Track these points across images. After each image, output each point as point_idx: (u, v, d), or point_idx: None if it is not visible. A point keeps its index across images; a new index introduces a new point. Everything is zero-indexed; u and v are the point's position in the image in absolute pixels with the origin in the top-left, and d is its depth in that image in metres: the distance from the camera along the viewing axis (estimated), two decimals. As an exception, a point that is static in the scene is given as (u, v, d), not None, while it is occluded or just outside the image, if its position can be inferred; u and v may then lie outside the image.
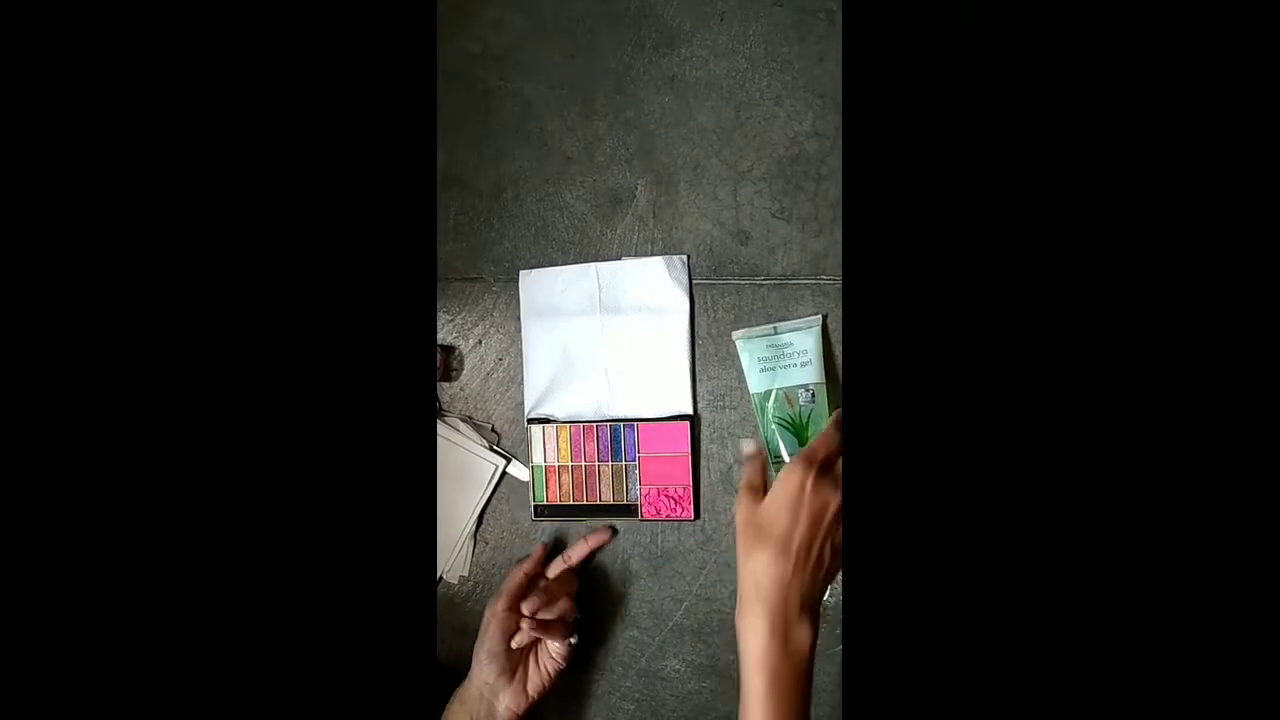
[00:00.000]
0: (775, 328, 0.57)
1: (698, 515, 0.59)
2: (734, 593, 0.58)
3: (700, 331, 0.60)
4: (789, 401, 0.56)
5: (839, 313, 0.58)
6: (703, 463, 0.60)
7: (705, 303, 0.60)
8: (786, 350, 0.56)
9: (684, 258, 0.60)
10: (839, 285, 0.58)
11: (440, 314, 0.62)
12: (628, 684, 0.61)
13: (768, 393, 0.56)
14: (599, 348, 0.61)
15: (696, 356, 0.60)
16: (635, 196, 0.61)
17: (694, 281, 0.60)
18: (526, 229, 0.62)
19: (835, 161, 0.59)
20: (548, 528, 0.62)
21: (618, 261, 0.61)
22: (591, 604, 0.60)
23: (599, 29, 0.61)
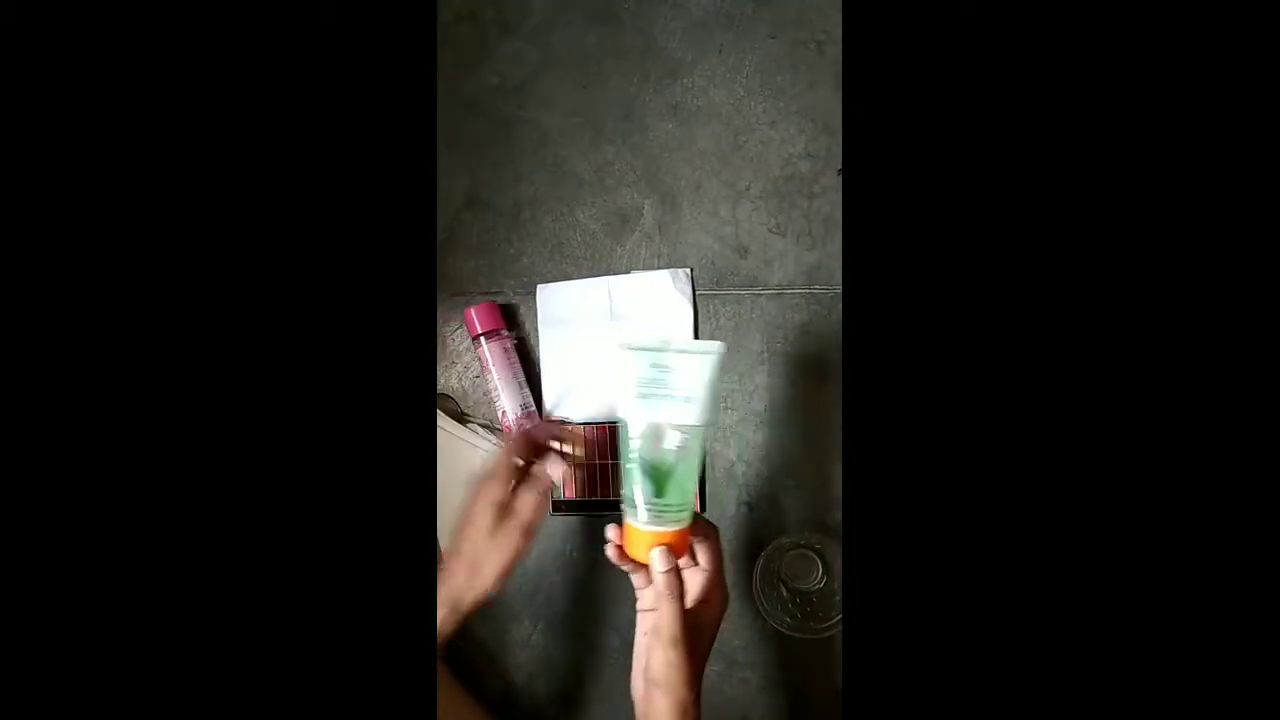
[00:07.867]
0: (666, 342, 0.44)
1: (703, 509, 0.63)
2: (734, 583, 0.62)
3: (703, 339, 0.63)
4: (657, 441, 0.44)
5: (832, 319, 0.62)
6: (707, 461, 0.64)
7: (708, 312, 0.64)
8: (670, 375, 0.44)
9: (687, 271, 0.64)
10: (831, 294, 0.62)
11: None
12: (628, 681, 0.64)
13: (636, 424, 0.45)
14: (610, 354, 0.65)
15: (700, 362, 0.64)
16: (643, 215, 0.65)
17: (697, 292, 0.64)
18: (543, 246, 0.66)
19: (827, 180, 0.63)
20: (569, 522, 0.66)
21: (627, 275, 0.65)
22: (598, 597, 0.64)
23: (608, 62, 0.66)
